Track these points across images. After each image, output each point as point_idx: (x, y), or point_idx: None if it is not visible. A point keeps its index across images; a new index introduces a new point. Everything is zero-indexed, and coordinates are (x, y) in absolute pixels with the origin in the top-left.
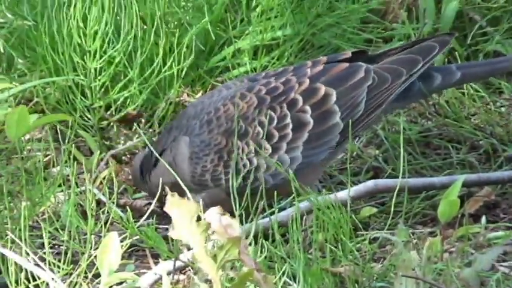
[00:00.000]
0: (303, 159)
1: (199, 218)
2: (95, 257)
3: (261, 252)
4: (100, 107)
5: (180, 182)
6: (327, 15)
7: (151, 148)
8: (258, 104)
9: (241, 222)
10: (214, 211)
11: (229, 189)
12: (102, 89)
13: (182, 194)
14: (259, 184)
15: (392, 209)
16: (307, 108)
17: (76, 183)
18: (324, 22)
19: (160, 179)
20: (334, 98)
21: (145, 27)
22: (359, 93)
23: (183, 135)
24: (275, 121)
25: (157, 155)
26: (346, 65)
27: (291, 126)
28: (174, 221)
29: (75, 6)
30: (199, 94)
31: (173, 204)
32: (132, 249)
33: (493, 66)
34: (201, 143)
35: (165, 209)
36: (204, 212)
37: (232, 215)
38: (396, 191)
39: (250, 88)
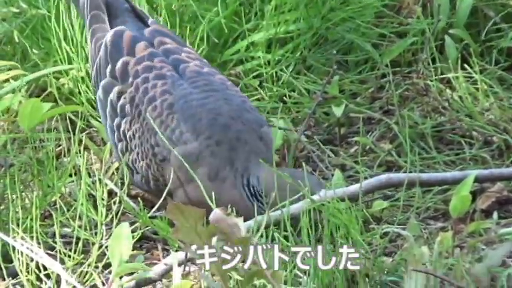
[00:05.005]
0: None
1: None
2: (106, 247)
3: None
4: None
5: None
6: (340, 9)
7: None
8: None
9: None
10: (220, 212)
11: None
12: None
13: None
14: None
15: (402, 203)
16: None
17: (88, 174)
18: (338, 16)
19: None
20: None
21: (159, 18)
22: None
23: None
24: None
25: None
26: None
27: None
28: (178, 225)
29: None
30: None
31: (174, 211)
32: (143, 241)
33: None
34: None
35: (166, 215)
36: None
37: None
38: (406, 184)
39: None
